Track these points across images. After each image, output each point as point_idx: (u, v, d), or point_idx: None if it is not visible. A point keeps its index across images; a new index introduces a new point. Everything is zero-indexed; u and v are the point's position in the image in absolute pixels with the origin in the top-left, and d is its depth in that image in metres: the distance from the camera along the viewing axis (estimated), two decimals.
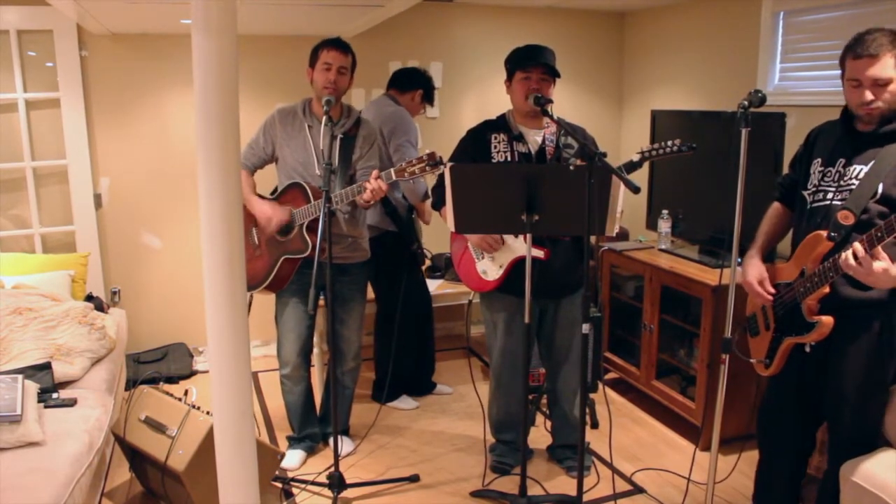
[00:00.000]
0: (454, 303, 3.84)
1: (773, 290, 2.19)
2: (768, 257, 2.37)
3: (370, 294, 3.54)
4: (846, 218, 1.97)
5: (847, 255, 1.87)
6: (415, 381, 3.72)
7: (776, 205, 2.36)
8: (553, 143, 2.68)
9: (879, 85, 1.91)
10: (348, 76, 2.75)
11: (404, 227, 3.39)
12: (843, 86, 2.01)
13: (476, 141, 2.73)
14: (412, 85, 3.52)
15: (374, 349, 3.64)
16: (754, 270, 2.24)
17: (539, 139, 2.69)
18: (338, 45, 2.72)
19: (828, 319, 2.02)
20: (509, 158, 2.66)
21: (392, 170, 2.54)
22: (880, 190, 1.95)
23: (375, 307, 3.60)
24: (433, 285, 3.77)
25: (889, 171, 1.94)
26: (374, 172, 2.55)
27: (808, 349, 2.11)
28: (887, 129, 1.97)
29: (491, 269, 2.73)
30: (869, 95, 1.92)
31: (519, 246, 2.64)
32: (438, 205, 2.73)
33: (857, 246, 1.84)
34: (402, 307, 3.42)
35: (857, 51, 1.92)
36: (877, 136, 1.99)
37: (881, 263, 1.81)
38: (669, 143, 2.41)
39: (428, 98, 3.59)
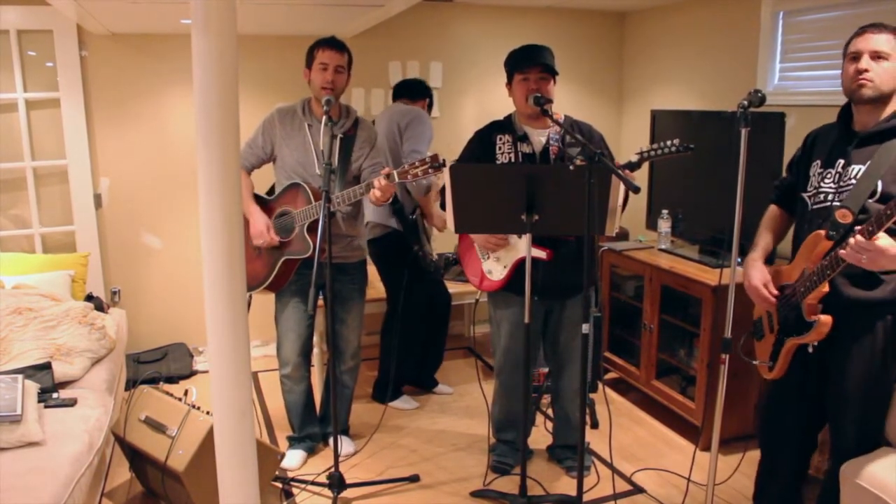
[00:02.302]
0: (454, 303, 3.84)
1: (776, 293, 2.19)
2: (768, 260, 2.37)
3: (381, 293, 3.55)
4: (844, 216, 1.96)
5: (850, 244, 1.85)
6: (417, 376, 3.73)
7: (773, 208, 2.36)
8: (557, 143, 2.68)
9: (876, 58, 1.95)
10: (346, 74, 2.75)
11: (407, 227, 3.38)
12: (843, 71, 2.03)
13: (482, 142, 2.74)
14: (420, 94, 3.59)
15: (380, 348, 3.64)
16: (758, 274, 2.23)
17: (543, 139, 2.69)
18: (333, 44, 2.71)
19: (826, 318, 2.01)
20: (513, 159, 2.67)
21: (395, 171, 2.54)
22: (879, 188, 1.95)
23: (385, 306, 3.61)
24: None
25: (887, 169, 1.94)
26: (386, 170, 2.54)
27: (810, 350, 2.11)
28: (883, 126, 1.98)
29: (496, 269, 2.74)
30: (865, 63, 1.95)
31: (523, 246, 2.64)
32: (445, 205, 2.74)
33: (859, 237, 1.83)
34: (407, 307, 3.42)
35: (861, 30, 1.98)
36: (874, 134, 1.99)
37: (885, 241, 1.80)
38: (668, 143, 2.41)
39: (430, 108, 3.68)
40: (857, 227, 1.84)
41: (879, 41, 1.94)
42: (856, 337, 2.04)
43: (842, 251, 1.88)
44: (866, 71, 1.94)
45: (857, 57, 1.97)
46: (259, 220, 2.80)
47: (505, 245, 2.69)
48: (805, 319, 2.07)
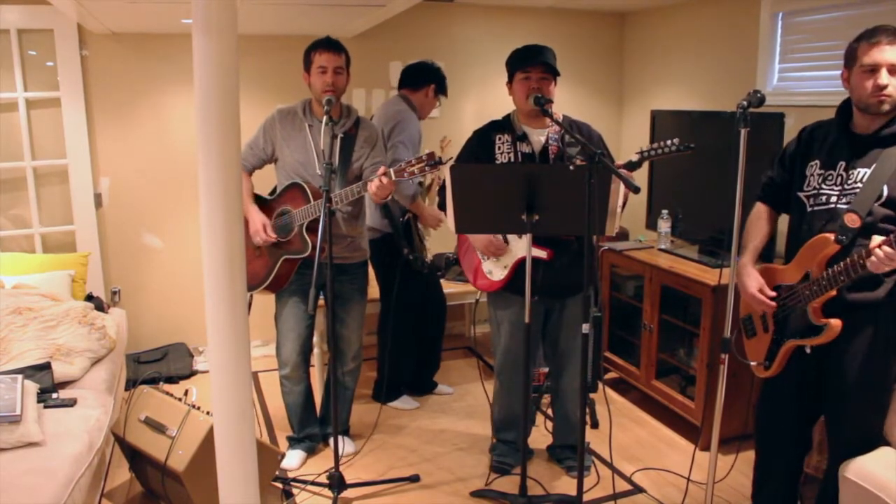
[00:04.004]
0: (454, 303, 3.84)
1: (772, 294, 2.19)
2: (766, 257, 2.36)
3: (375, 294, 3.55)
4: (853, 221, 1.96)
5: (877, 254, 1.82)
6: (416, 380, 3.72)
7: (761, 206, 2.32)
8: (557, 143, 2.68)
9: (893, 72, 1.91)
10: (345, 75, 2.75)
11: (397, 231, 3.37)
12: (850, 78, 2.00)
13: (481, 141, 2.74)
14: (424, 81, 3.44)
15: (377, 349, 3.64)
16: (752, 281, 2.21)
17: (542, 139, 2.69)
18: (329, 45, 2.71)
19: (836, 322, 2.00)
20: (512, 159, 2.67)
21: (392, 170, 2.53)
22: (885, 192, 1.94)
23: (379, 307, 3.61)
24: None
25: (892, 173, 1.94)
26: (382, 169, 2.53)
27: (808, 350, 2.11)
28: (888, 131, 1.97)
29: (496, 270, 2.74)
30: (885, 79, 1.91)
31: (523, 246, 2.64)
32: (444, 205, 2.74)
33: (886, 248, 1.80)
34: (400, 308, 3.42)
35: (873, 38, 1.93)
36: (877, 138, 1.98)
37: None
38: (668, 142, 2.40)
39: (441, 90, 3.50)
40: (882, 238, 1.82)
41: (895, 53, 1.90)
42: (856, 337, 2.04)
43: (869, 262, 1.85)
44: (886, 86, 1.91)
45: (874, 69, 1.93)
46: (256, 218, 2.80)
47: (505, 252, 2.70)
48: (809, 322, 2.06)
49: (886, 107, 1.94)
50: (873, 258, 1.83)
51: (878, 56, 1.91)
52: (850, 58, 2.00)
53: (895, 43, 1.90)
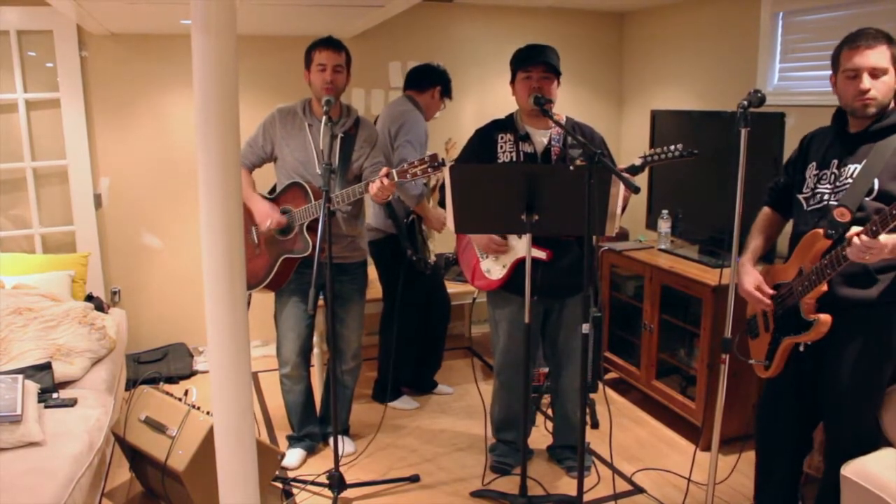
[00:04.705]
0: (454, 303, 3.84)
1: (771, 292, 2.19)
2: (767, 257, 2.36)
3: (376, 294, 3.55)
4: (842, 215, 1.97)
5: (855, 243, 1.83)
6: (416, 379, 3.72)
7: (766, 210, 2.36)
8: (559, 144, 2.68)
9: (875, 76, 1.93)
10: (344, 73, 2.75)
11: (402, 232, 3.37)
12: (837, 83, 2.03)
13: (483, 141, 2.73)
14: (429, 83, 3.43)
15: (378, 348, 3.64)
16: (750, 278, 2.23)
17: (545, 139, 2.69)
18: (329, 44, 2.71)
19: (825, 317, 2.01)
20: (514, 158, 2.67)
21: (395, 171, 2.53)
22: (876, 186, 1.95)
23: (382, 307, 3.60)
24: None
25: (883, 167, 1.94)
26: (384, 170, 2.52)
27: (801, 348, 2.11)
28: (877, 126, 1.98)
29: (494, 269, 2.74)
30: (867, 83, 1.92)
31: (522, 246, 2.64)
32: (444, 203, 2.74)
33: (863, 237, 1.81)
34: (404, 307, 3.41)
35: (854, 42, 1.95)
36: (867, 134, 1.99)
37: (889, 236, 1.79)
38: (672, 147, 2.40)
39: (447, 93, 3.50)
40: (860, 228, 1.84)
41: (876, 57, 1.92)
42: (850, 336, 2.04)
43: (847, 250, 1.87)
44: (868, 90, 1.93)
45: (856, 75, 1.95)
46: (262, 203, 2.80)
47: (506, 250, 2.70)
48: (802, 318, 2.07)
49: (872, 110, 1.96)
50: (851, 247, 1.84)
51: (859, 61, 1.93)
52: (835, 63, 2.03)
53: (874, 46, 1.92)
